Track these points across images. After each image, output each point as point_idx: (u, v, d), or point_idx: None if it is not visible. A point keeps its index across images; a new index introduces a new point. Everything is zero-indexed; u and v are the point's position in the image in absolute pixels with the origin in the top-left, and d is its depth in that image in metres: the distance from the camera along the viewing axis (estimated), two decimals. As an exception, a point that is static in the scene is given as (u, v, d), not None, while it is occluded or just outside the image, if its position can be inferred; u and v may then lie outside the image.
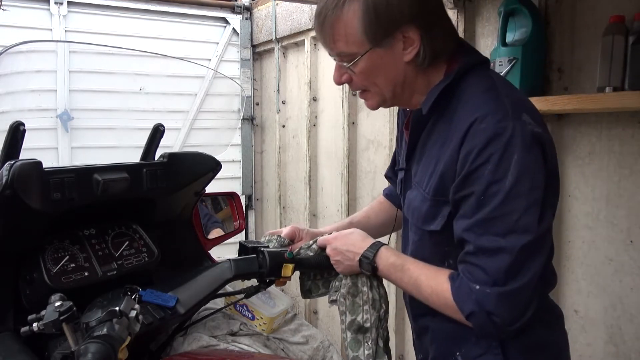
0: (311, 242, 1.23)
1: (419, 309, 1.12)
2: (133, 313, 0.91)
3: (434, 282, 1.00)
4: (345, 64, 1.02)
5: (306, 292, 1.26)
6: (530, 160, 0.89)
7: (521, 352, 0.99)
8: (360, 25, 0.95)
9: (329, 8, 0.97)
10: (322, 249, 1.20)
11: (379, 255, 1.10)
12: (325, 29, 0.99)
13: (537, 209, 0.89)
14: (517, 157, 0.88)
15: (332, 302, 1.22)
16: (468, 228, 0.93)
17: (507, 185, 0.88)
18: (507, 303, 0.90)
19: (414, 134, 1.09)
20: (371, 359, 1.15)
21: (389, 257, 1.09)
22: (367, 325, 1.16)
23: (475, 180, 0.90)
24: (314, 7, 0.99)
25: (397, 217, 1.34)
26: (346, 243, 1.14)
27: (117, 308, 0.88)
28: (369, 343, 1.16)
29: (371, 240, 1.14)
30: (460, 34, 1.90)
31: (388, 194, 1.41)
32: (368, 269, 1.11)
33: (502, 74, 1.56)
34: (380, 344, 1.17)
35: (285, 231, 1.29)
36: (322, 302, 3.11)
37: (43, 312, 0.87)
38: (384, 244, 1.13)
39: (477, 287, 0.91)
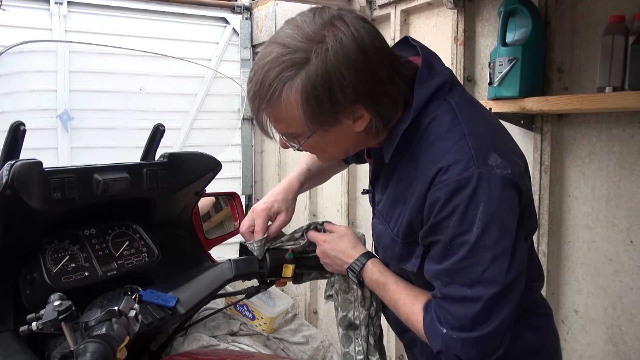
0: (301, 232, 1.21)
1: (401, 326, 1.10)
2: (132, 313, 0.91)
3: (409, 310, 0.99)
4: (290, 144, 0.96)
5: (297, 278, 1.25)
6: (498, 208, 0.85)
7: None
8: (302, 113, 0.87)
9: (263, 97, 0.87)
10: (312, 243, 1.19)
11: (364, 270, 1.08)
12: (262, 115, 0.90)
13: (505, 259, 0.86)
14: (483, 207, 0.84)
15: (328, 297, 1.22)
16: (435, 275, 0.91)
17: (472, 238, 0.84)
18: (474, 348, 0.87)
19: (376, 165, 1.06)
20: (361, 356, 1.15)
21: (373, 273, 1.07)
22: (357, 322, 1.16)
23: (442, 230, 0.88)
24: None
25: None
26: (335, 249, 1.13)
27: (116, 308, 0.88)
28: (359, 340, 1.16)
29: (361, 249, 1.12)
30: (460, 34, 1.90)
31: None
32: (354, 281, 1.11)
33: (502, 74, 1.56)
34: (371, 341, 1.17)
35: (258, 227, 1.20)
36: (322, 302, 3.10)
37: (42, 312, 0.87)
38: (373, 256, 1.11)
39: (444, 330, 0.89)
